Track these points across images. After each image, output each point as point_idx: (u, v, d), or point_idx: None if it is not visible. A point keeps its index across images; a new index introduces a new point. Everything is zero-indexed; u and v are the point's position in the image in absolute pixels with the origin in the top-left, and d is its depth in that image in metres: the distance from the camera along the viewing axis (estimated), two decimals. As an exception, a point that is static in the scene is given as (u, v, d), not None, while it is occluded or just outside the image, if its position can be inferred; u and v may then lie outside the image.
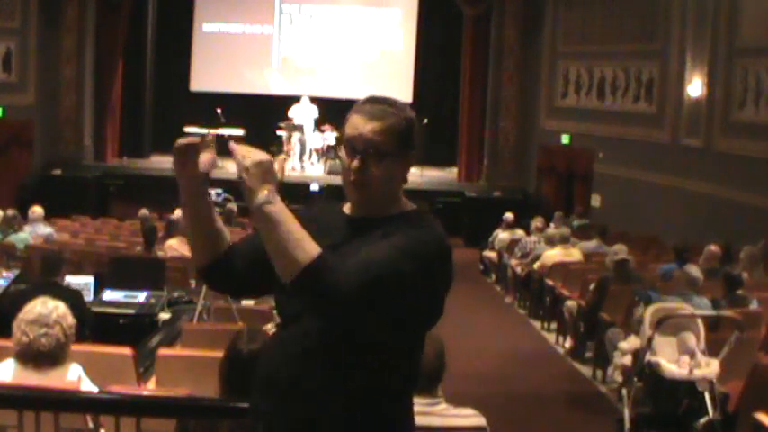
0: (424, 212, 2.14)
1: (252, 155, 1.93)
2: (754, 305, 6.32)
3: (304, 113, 16.18)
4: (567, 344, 8.16)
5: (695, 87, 11.84)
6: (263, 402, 2.09)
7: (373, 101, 2.10)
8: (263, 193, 1.90)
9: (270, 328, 4.23)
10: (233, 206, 12.42)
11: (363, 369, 1.99)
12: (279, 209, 1.90)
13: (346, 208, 2.17)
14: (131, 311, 6.22)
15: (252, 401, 2.16)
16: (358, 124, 2.05)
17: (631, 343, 5.80)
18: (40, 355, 3.26)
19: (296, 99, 16.40)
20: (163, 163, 16.74)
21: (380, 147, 2.03)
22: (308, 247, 1.88)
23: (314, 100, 16.37)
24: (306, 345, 2.00)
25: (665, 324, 5.18)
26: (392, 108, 2.08)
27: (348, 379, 1.99)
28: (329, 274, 1.86)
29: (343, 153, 2.08)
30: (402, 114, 2.07)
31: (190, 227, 2.20)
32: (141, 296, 6.41)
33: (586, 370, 7.49)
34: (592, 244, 10.25)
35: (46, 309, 3.33)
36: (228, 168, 17.21)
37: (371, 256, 1.92)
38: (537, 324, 9.46)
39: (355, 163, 2.04)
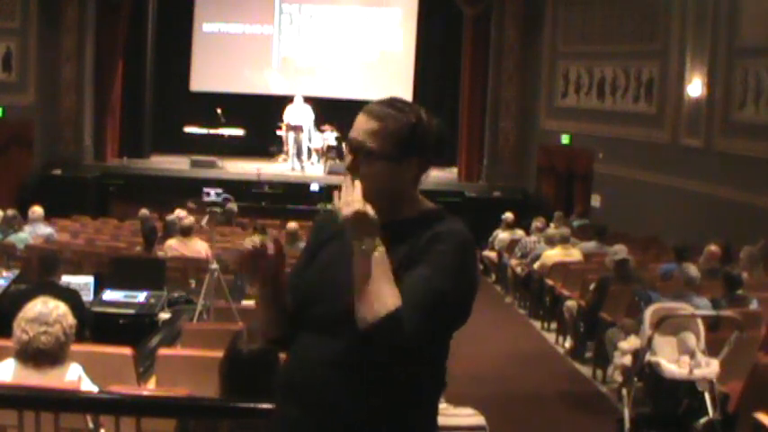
0: (442, 211, 2.13)
1: (349, 204, 1.95)
2: (754, 305, 6.32)
3: (298, 113, 16.15)
4: (567, 344, 8.16)
5: (695, 87, 11.83)
6: (286, 407, 2.08)
7: (383, 102, 2.10)
8: (363, 243, 1.93)
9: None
10: (233, 206, 12.43)
11: (390, 383, 1.98)
12: (374, 259, 1.92)
13: None
14: (131, 311, 6.22)
15: (275, 405, 2.15)
16: (358, 123, 2.07)
17: (631, 343, 5.80)
18: (40, 354, 3.26)
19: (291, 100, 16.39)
20: (163, 163, 16.76)
21: (370, 148, 2.03)
22: (387, 301, 1.91)
23: (312, 100, 16.32)
24: (332, 357, 1.99)
25: (665, 324, 5.18)
26: (396, 111, 2.07)
27: (373, 393, 1.98)
28: (396, 334, 1.89)
29: (347, 151, 2.11)
30: (405, 118, 2.06)
31: (265, 306, 2.18)
32: (141, 296, 6.41)
33: (586, 370, 7.49)
34: (592, 244, 10.25)
35: (46, 308, 3.34)
36: (228, 169, 17.04)
37: (422, 298, 1.93)
38: (537, 324, 9.46)
39: (349, 157, 2.06)
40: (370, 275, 1.91)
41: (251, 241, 2.06)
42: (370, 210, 1.92)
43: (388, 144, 2.03)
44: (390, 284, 1.92)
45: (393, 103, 2.09)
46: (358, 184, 1.96)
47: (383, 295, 1.90)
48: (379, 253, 1.93)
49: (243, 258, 2.06)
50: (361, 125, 2.05)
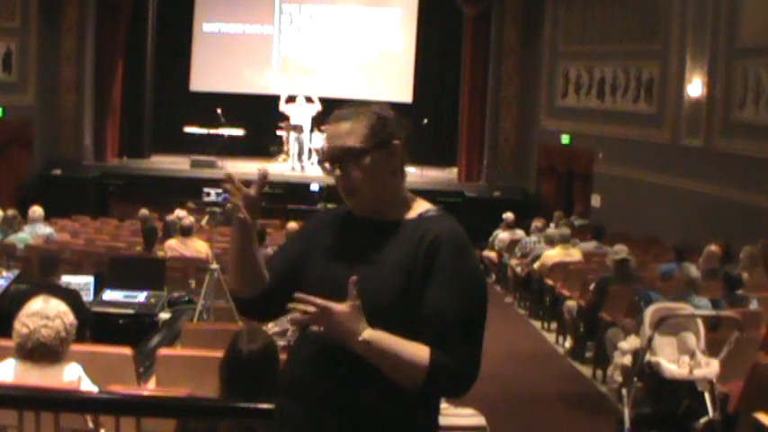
0: (434, 210, 2.14)
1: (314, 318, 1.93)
2: (754, 305, 6.31)
3: (301, 113, 16.15)
4: (567, 344, 8.16)
5: (695, 87, 11.83)
6: (288, 404, 2.09)
7: (342, 108, 2.14)
8: (359, 336, 1.92)
9: (271, 327, 4.23)
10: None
11: (393, 381, 1.98)
12: (376, 342, 1.93)
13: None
14: (131, 311, 6.22)
15: (278, 403, 2.16)
16: (332, 134, 2.09)
17: (631, 343, 5.80)
18: (40, 347, 3.25)
19: (293, 99, 16.37)
20: (163, 163, 16.75)
21: (354, 147, 2.06)
22: (417, 360, 1.94)
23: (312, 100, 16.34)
24: (335, 354, 1.99)
25: (665, 324, 5.18)
26: (359, 107, 2.12)
27: (376, 391, 1.99)
28: (449, 376, 1.96)
29: (329, 167, 2.12)
30: (371, 109, 2.11)
31: (238, 261, 2.18)
32: (141, 296, 6.41)
33: (586, 370, 7.49)
34: (592, 244, 10.25)
35: (47, 304, 3.36)
36: (228, 169, 17.13)
37: (455, 316, 1.97)
38: (537, 324, 9.46)
39: (337, 172, 2.08)
40: (385, 354, 1.94)
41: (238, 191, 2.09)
42: (332, 307, 1.90)
43: (367, 137, 2.06)
44: (406, 345, 1.94)
45: (350, 105, 2.14)
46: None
47: (410, 359, 1.94)
48: (375, 335, 1.93)
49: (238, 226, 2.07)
50: (334, 133, 2.09)
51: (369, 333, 1.92)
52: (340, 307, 1.91)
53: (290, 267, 2.17)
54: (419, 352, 1.94)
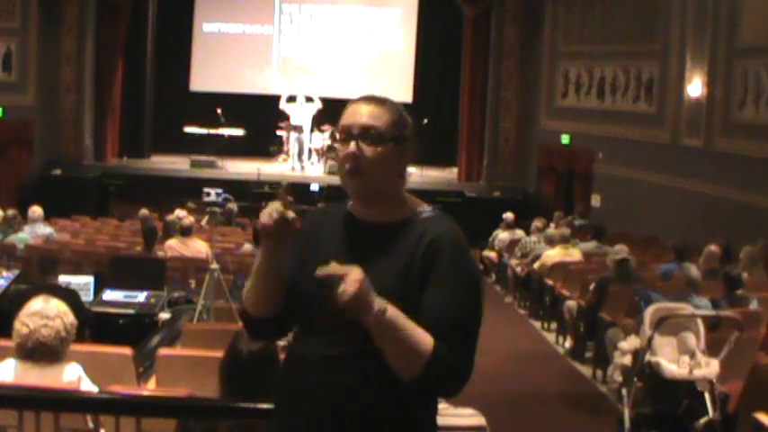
0: (431, 211, 2.14)
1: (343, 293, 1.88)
2: (754, 305, 6.31)
3: (301, 113, 16.16)
4: (567, 344, 8.16)
5: (695, 87, 11.83)
6: (286, 409, 2.09)
7: (368, 95, 2.15)
8: (372, 315, 1.89)
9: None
10: (233, 206, 12.44)
11: (390, 384, 1.98)
12: (391, 313, 1.91)
13: (352, 208, 2.17)
14: (131, 311, 6.22)
15: (277, 410, 2.15)
16: (355, 111, 2.09)
17: (631, 343, 5.80)
18: (39, 347, 3.25)
19: (293, 99, 16.39)
20: (163, 163, 16.76)
21: (376, 129, 2.06)
22: (421, 347, 1.93)
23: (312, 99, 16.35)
24: (334, 357, 1.99)
25: (665, 324, 5.18)
26: (387, 99, 2.14)
27: (373, 394, 1.99)
28: (447, 370, 1.95)
29: (339, 145, 2.10)
30: (397, 106, 2.13)
31: (261, 282, 2.12)
32: (141, 296, 6.41)
33: (586, 370, 7.49)
34: (592, 244, 10.25)
35: (47, 304, 3.36)
36: (228, 169, 17.02)
37: (454, 316, 1.99)
38: (537, 324, 9.46)
39: (351, 146, 2.06)
40: (396, 329, 1.92)
41: (275, 212, 1.99)
42: (364, 284, 1.87)
43: (388, 126, 2.07)
44: (414, 329, 1.93)
45: (376, 95, 2.15)
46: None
47: (416, 342, 1.93)
48: (389, 309, 1.91)
49: (269, 228, 2.00)
50: (363, 110, 2.08)
51: (385, 303, 1.90)
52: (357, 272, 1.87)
53: (297, 280, 2.13)
54: (426, 338, 1.93)
